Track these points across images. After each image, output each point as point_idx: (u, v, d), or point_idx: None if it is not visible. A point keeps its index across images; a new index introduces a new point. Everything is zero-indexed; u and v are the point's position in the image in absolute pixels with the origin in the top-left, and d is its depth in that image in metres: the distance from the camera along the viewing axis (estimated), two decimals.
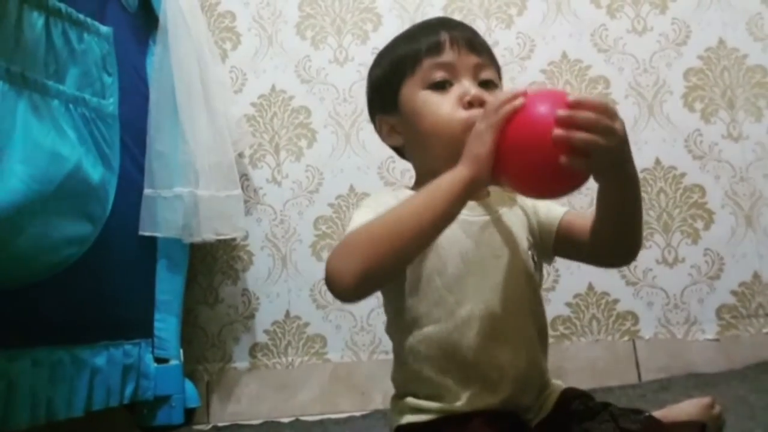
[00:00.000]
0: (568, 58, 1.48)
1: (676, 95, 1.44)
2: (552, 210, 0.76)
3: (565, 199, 0.77)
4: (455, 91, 0.70)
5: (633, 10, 1.48)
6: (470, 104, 0.68)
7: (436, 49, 0.71)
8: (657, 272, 1.39)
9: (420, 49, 0.72)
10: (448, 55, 0.71)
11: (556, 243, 0.75)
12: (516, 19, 1.51)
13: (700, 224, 1.39)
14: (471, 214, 0.70)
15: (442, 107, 0.69)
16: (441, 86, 0.71)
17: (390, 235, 0.60)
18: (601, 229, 0.70)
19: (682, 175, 1.41)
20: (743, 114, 1.42)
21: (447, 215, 0.61)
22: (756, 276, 1.36)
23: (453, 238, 0.68)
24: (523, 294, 0.71)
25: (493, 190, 0.74)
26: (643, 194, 1.38)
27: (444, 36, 0.72)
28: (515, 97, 0.59)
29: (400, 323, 0.70)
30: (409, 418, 0.69)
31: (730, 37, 1.44)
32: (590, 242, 0.71)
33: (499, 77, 0.77)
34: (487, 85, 0.72)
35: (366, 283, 0.61)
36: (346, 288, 0.61)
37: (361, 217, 0.67)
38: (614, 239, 0.70)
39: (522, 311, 0.70)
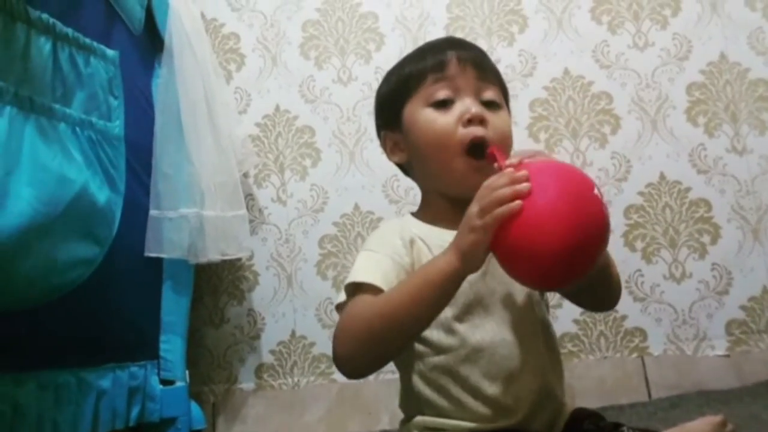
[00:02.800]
0: (570, 74, 1.49)
1: (679, 110, 1.44)
2: None
3: None
4: (457, 108, 0.70)
5: (634, 26, 1.49)
6: (470, 122, 0.69)
7: (440, 66, 0.72)
8: (664, 288, 1.37)
9: (425, 68, 0.73)
10: (451, 70, 0.72)
11: None
12: (518, 36, 1.52)
13: (706, 239, 1.38)
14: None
15: (442, 124, 0.70)
16: (443, 104, 0.71)
17: (386, 328, 0.62)
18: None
19: (687, 189, 1.41)
20: (747, 127, 1.42)
21: (441, 306, 0.63)
22: (765, 290, 1.35)
23: None
24: (532, 320, 0.71)
25: None
26: (648, 209, 1.40)
27: (450, 55, 0.73)
28: (513, 196, 0.57)
29: (410, 352, 0.70)
30: None
31: (732, 51, 1.45)
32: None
33: (506, 99, 0.77)
34: (490, 105, 0.72)
35: (370, 368, 0.67)
36: (352, 374, 0.67)
37: (364, 263, 0.69)
38: (589, 290, 0.70)
39: (532, 337, 0.70)
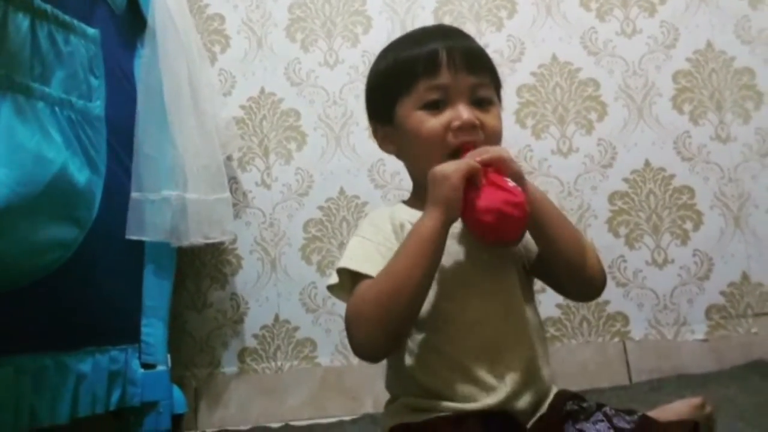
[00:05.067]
0: (558, 60, 1.49)
1: (665, 97, 1.45)
2: None
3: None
4: (447, 114, 0.71)
5: (622, 12, 1.49)
6: (460, 129, 0.70)
7: (433, 70, 0.71)
8: (647, 273, 1.39)
9: (417, 69, 0.72)
10: (443, 78, 0.71)
11: (534, 266, 0.75)
12: (506, 21, 1.52)
13: (689, 225, 1.40)
14: (461, 224, 0.71)
15: (433, 130, 0.71)
16: (435, 106, 0.71)
17: (395, 297, 0.64)
18: (548, 259, 0.72)
19: (671, 176, 1.42)
20: (731, 116, 1.43)
21: (437, 259, 0.66)
22: (744, 276, 1.37)
23: (448, 249, 0.69)
24: (518, 301, 0.71)
25: None
26: (632, 196, 1.41)
27: (442, 55, 0.71)
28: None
29: None
30: (403, 418, 0.69)
31: (718, 40, 1.45)
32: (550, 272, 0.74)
33: (498, 89, 0.77)
34: (482, 103, 0.72)
35: (395, 344, 0.68)
36: (380, 356, 0.69)
37: (357, 247, 0.71)
38: (562, 266, 0.71)
39: (517, 317, 0.71)
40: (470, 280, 0.70)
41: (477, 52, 0.75)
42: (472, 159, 0.67)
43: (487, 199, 0.65)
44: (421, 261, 0.64)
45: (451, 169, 0.65)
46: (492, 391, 0.66)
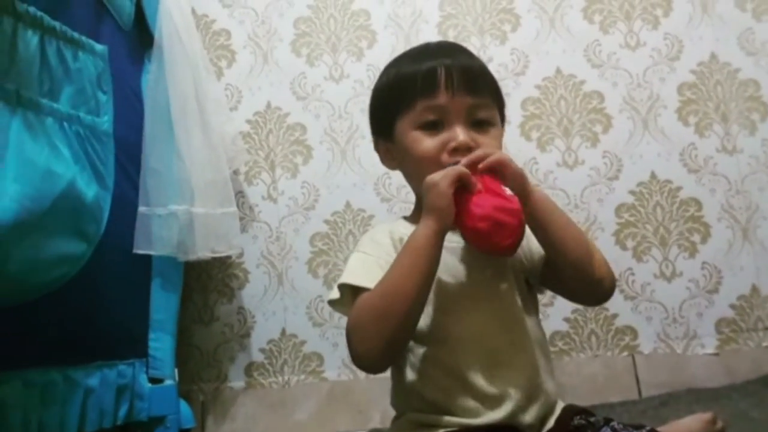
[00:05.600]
0: (562, 73, 1.49)
1: (671, 109, 1.45)
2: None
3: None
4: (443, 135, 0.71)
5: (625, 25, 1.49)
6: (455, 150, 0.70)
7: (431, 90, 0.72)
8: (655, 286, 1.38)
9: (416, 89, 0.73)
10: (441, 98, 0.72)
11: (543, 273, 0.75)
12: (510, 35, 1.52)
13: (697, 238, 1.39)
14: (459, 239, 0.71)
15: (429, 151, 0.71)
16: (432, 126, 0.72)
17: (394, 306, 0.65)
18: (555, 262, 0.72)
19: (678, 188, 1.41)
20: (737, 127, 1.43)
21: (433, 267, 0.66)
22: (754, 289, 1.35)
23: (445, 263, 0.70)
24: (518, 314, 0.71)
25: None
26: (639, 208, 1.41)
27: (440, 74, 0.72)
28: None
29: None
30: None
31: (722, 52, 1.45)
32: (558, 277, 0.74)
33: (501, 109, 0.77)
34: (481, 124, 0.73)
35: (394, 353, 0.68)
36: (380, 366, 0.69)
37: (357, 262, 0.72)
38: (570, 269, 0.71)
39: (518, 331, 0.71)
40: (469, 294, 0.70)
41: (477, 72, 0.75)
42: (462, 165, 0.67)
43: (481, 205, 0.65)
44: (414, 269, 0.65)
45: (439, 176, 0.66)
46: (496, 405, 0.66)
